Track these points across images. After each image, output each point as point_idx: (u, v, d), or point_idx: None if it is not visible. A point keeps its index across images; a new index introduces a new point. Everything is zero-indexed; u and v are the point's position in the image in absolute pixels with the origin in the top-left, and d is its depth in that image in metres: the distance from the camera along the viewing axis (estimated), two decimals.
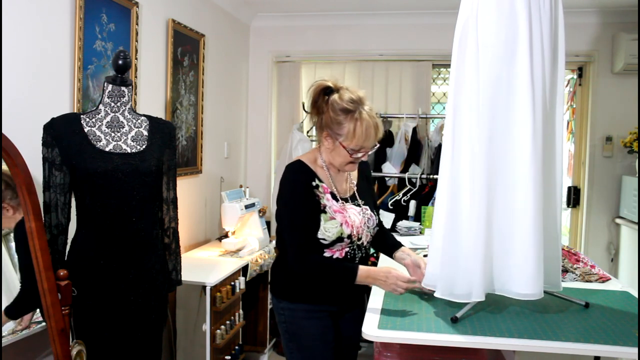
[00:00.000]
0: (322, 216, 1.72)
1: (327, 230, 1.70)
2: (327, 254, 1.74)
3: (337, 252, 1.75)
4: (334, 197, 1.77)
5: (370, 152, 1.77)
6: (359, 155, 1.74)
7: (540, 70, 1.55)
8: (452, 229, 1.61)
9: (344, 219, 1.74)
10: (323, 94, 1.75)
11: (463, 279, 1.58)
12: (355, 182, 1.89)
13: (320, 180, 1.77)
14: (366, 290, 1.91)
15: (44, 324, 1.73)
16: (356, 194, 1.87)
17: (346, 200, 1.82)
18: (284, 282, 1.82)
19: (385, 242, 2.00)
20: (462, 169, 1.61)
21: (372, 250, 3.52)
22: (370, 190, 1.98)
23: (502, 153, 1.57)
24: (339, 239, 1.72)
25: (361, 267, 1.70)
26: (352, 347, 1.96)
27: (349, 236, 1.74)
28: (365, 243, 1.82)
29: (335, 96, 1.72)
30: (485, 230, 1.56)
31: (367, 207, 1.85)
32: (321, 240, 1.71)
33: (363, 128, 1.69)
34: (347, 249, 1.76)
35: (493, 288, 1.61)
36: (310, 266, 1.72)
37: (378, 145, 1.81)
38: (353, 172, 1.89)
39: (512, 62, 1.54)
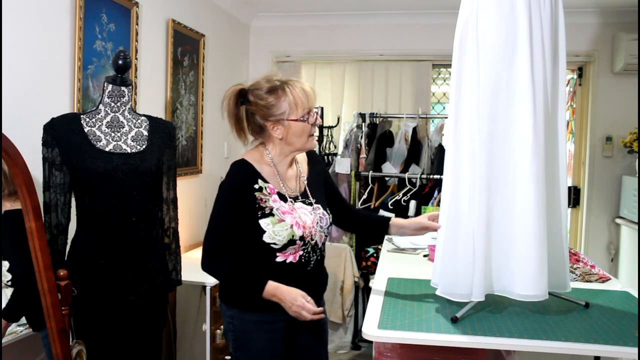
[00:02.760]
0: (270, 219, 1.60)
1: (277, 233, 1.60)
2: (279, 258, 1.62)
3: (291, 256, 1.64)
4: (281, 197, 1.65)
5: (317, 111, 1.70)
6: (312, 119, 1.66)
7: (541, 70, 1.55)
8: (454, 228, 1.61)
9: (294, 220, 1.62)
10: (239, 99, 1.69)
11: (464, 279, 1.58)
12: (305, 177, 1.76)
13: (266, 181, 1.65)
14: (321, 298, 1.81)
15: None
16: (307, 191, 1.73)
17: (296, 198, 1.69)
18: (235, 290, 1.68)
19: (370, 222, 1.88)
20: (463, 169, 1.61)
21: (371, 251, 3.54)
22: (323, 186, 1.82)
23: (503, 152, 1.57)
24: (291, 242, 1.62)
25: (270, 284, 1.58)
26: (318, 354, 1.82)
27: (301, 237, 1.63)
28: (319, 244, 1.70)
29: (252, 91, 1.66)
30: (486, 230, 1.56)
31: (319, 205, 1.73)
32: (272, 245, 1.60)
33: (298, 91, 1.63)
34: (300, 252, 1.65)
35: (495, 289, 1.61)
36: (218, 272, 1.65)
37: (319, 107, 1.72)
38: (303, 168, 1.78)
39: (512, 61, 1.54)
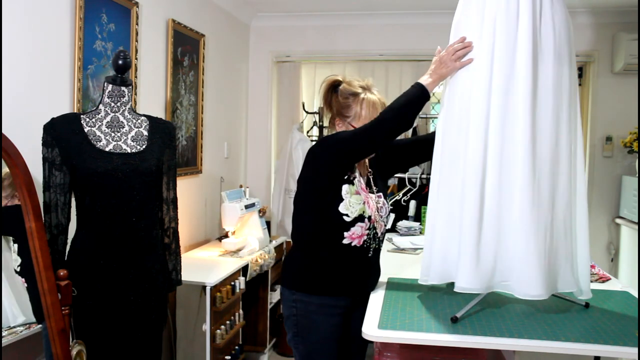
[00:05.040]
0: (349, 187, 1.71)
1: (352, 205, 1.69)
2: (346, 240, 1.70)
3: (356, 239, 1.71)
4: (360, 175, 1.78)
5: None
6: None
7: (524, 67, 1.55)
8: (454, 226, 1.60)
9: (366, 198, 1.74)
10: (333, 89, 1.83)
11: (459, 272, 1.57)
12: (370, 170, 1.87)
13: None
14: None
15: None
16: (371, 182, 1.85)
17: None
18: (302, 274, 1.77)
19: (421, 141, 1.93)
20: (458, 167, 1.60)
21: None
22: (385, 180, 1.96)
23: (502, 150, 1.56)
24: (360, 218, 1.71)
25: (420, 80, 1.70)
26: (361, 344, 1.90)
27: (369, 218, 1.73)
28: (379, 233, 1.79)
29: (343, 85, 1.82)
30: (485, 228, 1.56)
31: (381, 194, 1.84)
32: (344, 217, 1.69)
33: (369, 106, 1.77)
34: (365, 237, 1.73)
35: (496, 286, 1.60)
36: (387, 116, 1.64)
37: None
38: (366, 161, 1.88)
39: (491, 61, 1.56)
